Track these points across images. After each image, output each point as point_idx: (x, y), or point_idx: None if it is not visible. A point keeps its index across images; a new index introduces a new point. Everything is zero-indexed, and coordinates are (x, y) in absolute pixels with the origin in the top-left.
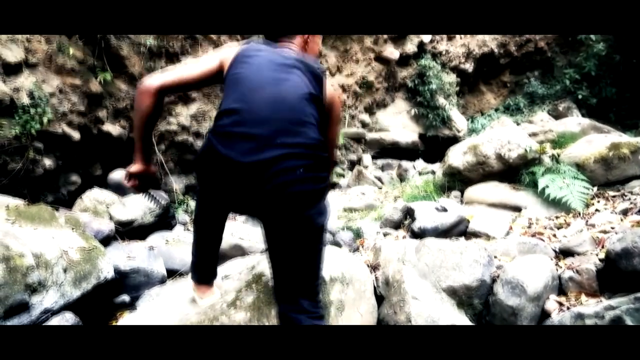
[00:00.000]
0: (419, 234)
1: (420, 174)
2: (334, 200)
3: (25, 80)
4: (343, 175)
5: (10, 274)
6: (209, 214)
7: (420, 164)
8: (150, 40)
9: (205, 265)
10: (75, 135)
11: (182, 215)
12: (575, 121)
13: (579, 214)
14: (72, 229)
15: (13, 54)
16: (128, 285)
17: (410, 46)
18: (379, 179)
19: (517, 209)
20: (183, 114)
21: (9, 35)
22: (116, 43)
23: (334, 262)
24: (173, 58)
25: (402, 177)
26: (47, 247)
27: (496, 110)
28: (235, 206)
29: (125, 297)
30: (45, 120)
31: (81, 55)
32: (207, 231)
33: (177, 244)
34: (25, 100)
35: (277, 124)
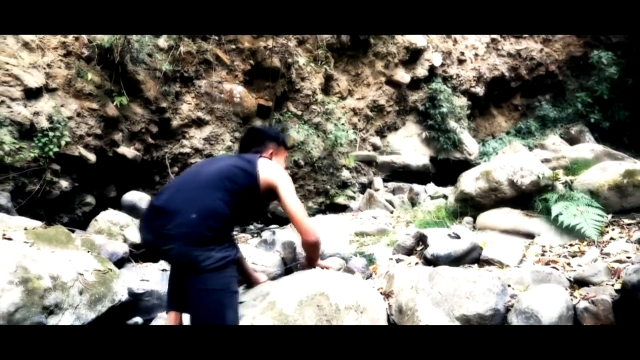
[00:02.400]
0: (431, 261)
1: (431, 197)
2: (346, 224)
3: (45, 105)
4: (354, 198)
5: (28, 296)
6: None
7: (431, 187)
8: (165, 65)
9: (176, 293)
10: (91, 157)
11: None
12: (589, 147)
13: (594, 242)
14: (88, 251)
15: (34, 79)
16: (141, 307)
17: (421, 70)
18: (390, 203)
19: (530, 235)
20: (196, 137)
21: (31, 61)
22: (132, 68)
23: (348, 290)
24: (187, 82)
25: (413, 201)
26: (64, 270)
27: (507, 133)
28: None
29: (138, 319)
30: (62, 143)
31: (99, 80)
32: None
33: None
34: (45, 123)
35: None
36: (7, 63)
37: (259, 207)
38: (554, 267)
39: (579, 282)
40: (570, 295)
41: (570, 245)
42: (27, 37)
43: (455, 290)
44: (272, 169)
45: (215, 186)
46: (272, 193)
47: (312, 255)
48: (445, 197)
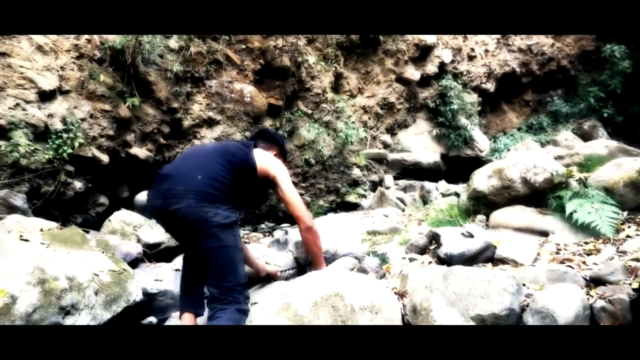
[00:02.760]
0: (445, 260)
1: (443, 195)
2: (357, 223)
3: (59, 107)
4: (365, 197)
5: (46, 296)
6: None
7: (442, 185)
8: (176, 66)
9: (189, 295)
10: (104, 158)
11: None
12: (603, 143)
13: (609, 239)
14: (103, 251)
15: (48, 81)
16: (155, 307)
17: (431, 67)
18: (402, 201)
19: (544, 234)
20: (207, 137)
21: (45, 64)
22: (144, 69)
23: (363, 290)
24: (198, 83)
25: (424, 199)
26: (80, 270)
27: (519, 129)
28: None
29: (153, 319)
30: (76, 144)
31: (111, 81)
32: (185, 264)
33: None
34: (59, 125)
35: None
36: (22, 66)
37: (257, 192)
38: (569, 266)
39: (595, 281)
40: (587, 294)
41: (586, 243)
42: (41, 40)
43: (470, 290)
44: (268, 158)
45: (218, 155)
46: (268, 181)
47: (312, 244)
48: (457, 194)
